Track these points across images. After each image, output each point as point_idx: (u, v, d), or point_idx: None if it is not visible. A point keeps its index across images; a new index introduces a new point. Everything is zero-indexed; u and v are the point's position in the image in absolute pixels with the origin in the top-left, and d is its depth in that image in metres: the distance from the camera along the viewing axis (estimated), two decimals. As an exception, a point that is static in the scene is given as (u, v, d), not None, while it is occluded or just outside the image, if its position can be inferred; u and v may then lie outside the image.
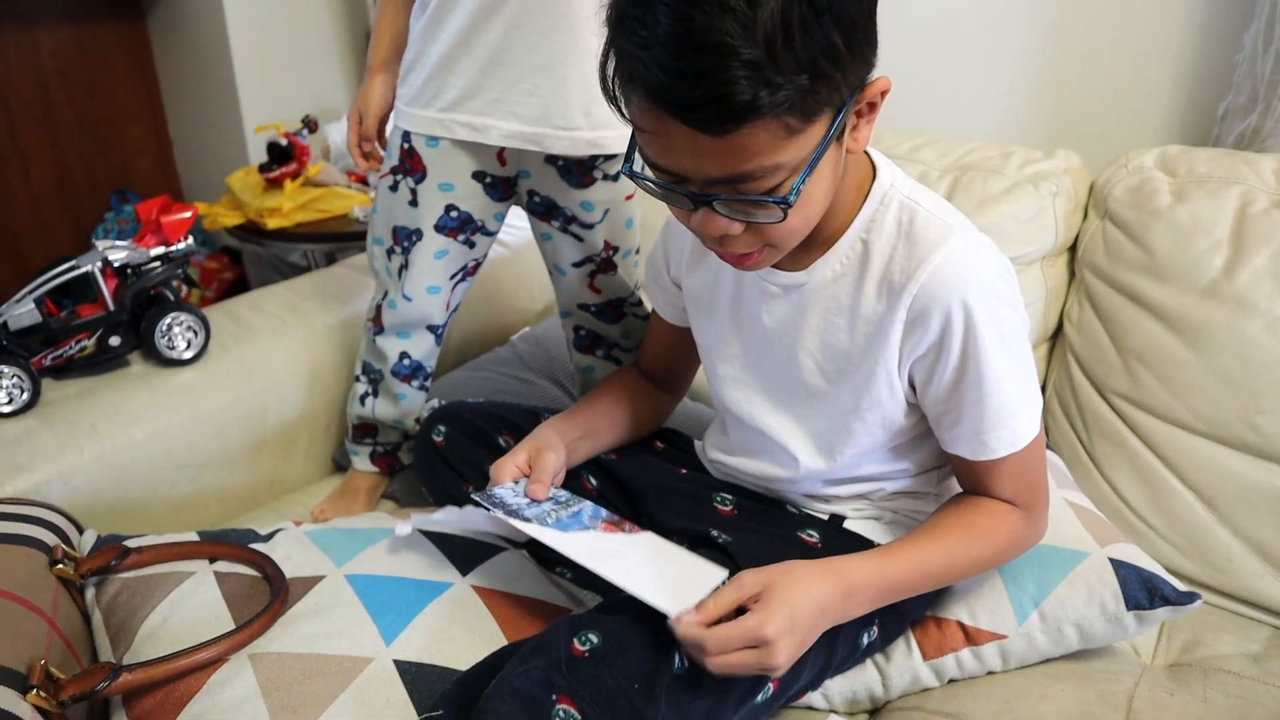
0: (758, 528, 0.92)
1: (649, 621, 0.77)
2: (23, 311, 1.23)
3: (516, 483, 0.92)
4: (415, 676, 0.80)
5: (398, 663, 0.81)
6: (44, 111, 2.56)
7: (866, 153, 0.84)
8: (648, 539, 0.88)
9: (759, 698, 0.83)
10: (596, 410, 1.06)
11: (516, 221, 1.81)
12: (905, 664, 0.94)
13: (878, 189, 0.82)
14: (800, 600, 0.74)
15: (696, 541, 0.89)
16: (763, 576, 0.75)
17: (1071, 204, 1.31)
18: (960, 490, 0.90)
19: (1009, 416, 0.80)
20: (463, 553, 0.98)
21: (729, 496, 0.98)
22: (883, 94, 0.72)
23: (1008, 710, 0.88)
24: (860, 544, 0.92)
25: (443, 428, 1.11)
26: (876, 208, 0.82)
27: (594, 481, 1.06)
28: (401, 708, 0.78)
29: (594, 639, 0.76)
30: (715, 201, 0.71)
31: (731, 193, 0.70)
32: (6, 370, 1.19)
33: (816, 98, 0.66)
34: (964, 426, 0.81)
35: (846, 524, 0.94)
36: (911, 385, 0.84)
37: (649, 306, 1.13)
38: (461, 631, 0.87)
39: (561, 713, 0.71)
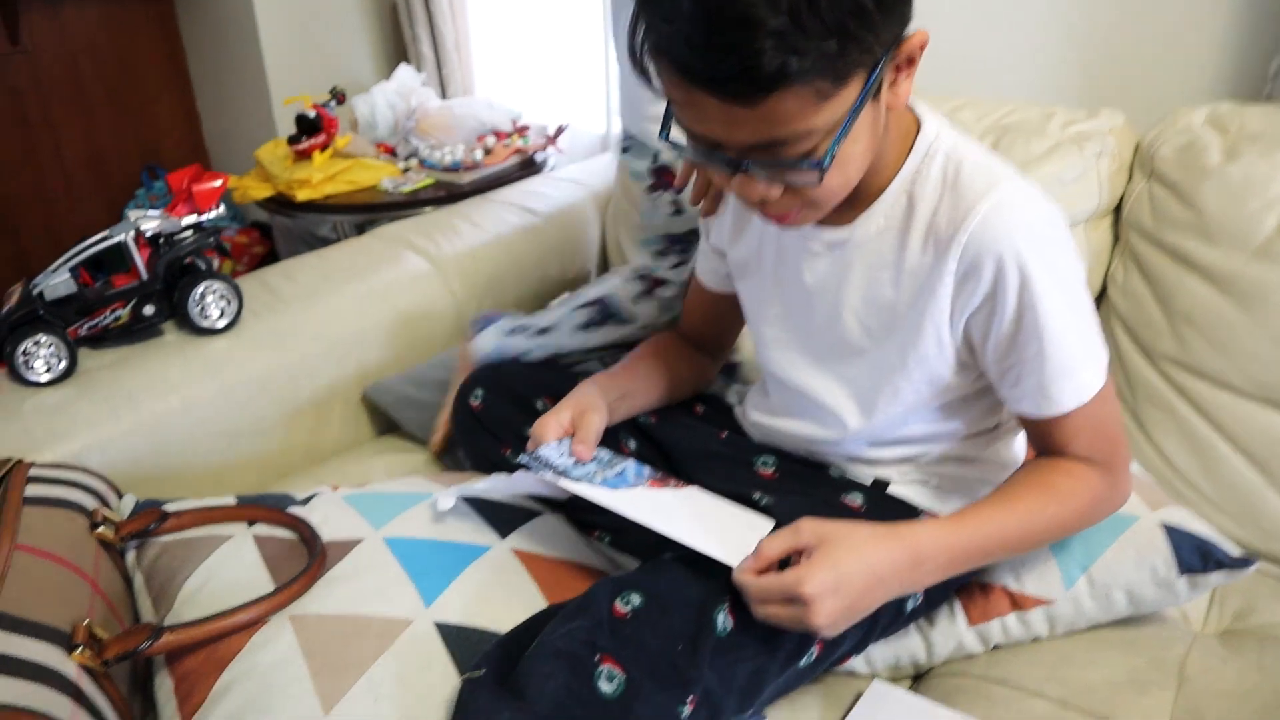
0: (800, 490, 0.91)
1: (691, 583, 0.77)
2: (58, 281, 1.24)
3: (560, 442, 0.92)
4: (456, 638, 0.80)
5: (439, 625, 0.80)
6: (74, 89, 2.57)
7: (910, 105, 0.82)
8: (694, 494, 0.88)
9: (802, 662, 0.82)
10: (637, 371, 1.05)
11: (544, 189, 1.80)
12: (949, 630, 0.93)
13: (922, 141, 0.80)
14: (851, 566, 0.73)
15: (739, 504, 0.88)
16: (821, 530, 0.74)
17: (1116, 164, 1.28)
18: (1024, 460, 0.89)
19: (1073, 368, 0.77)
20: (502, 516, 0.97)
21: (770, 459, 0.97)
22: (921, 47, 0.70)
23: (1055, 676, 0.87)
24: (906, 510, 0.91)
25: (480, 391, 1.10)
26: (921, 160, 0.80)
27: (632, 444, 1.05)
28: (443, 669, 0.77)
29: (636, 600, 0.75)
30: (751, 167, 0.70)
31: (767, 157, 0.69)
32: (44, 339, 1.19)
33: (847, 60, 0.64)
34: (1027, 382, 0.79)
35: (891, 488, 0.92)
36: (968, 344, 0.82)
37: None
38: (502, 594, 0.86)
39: (606, 672, 0.70)
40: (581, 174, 1.88)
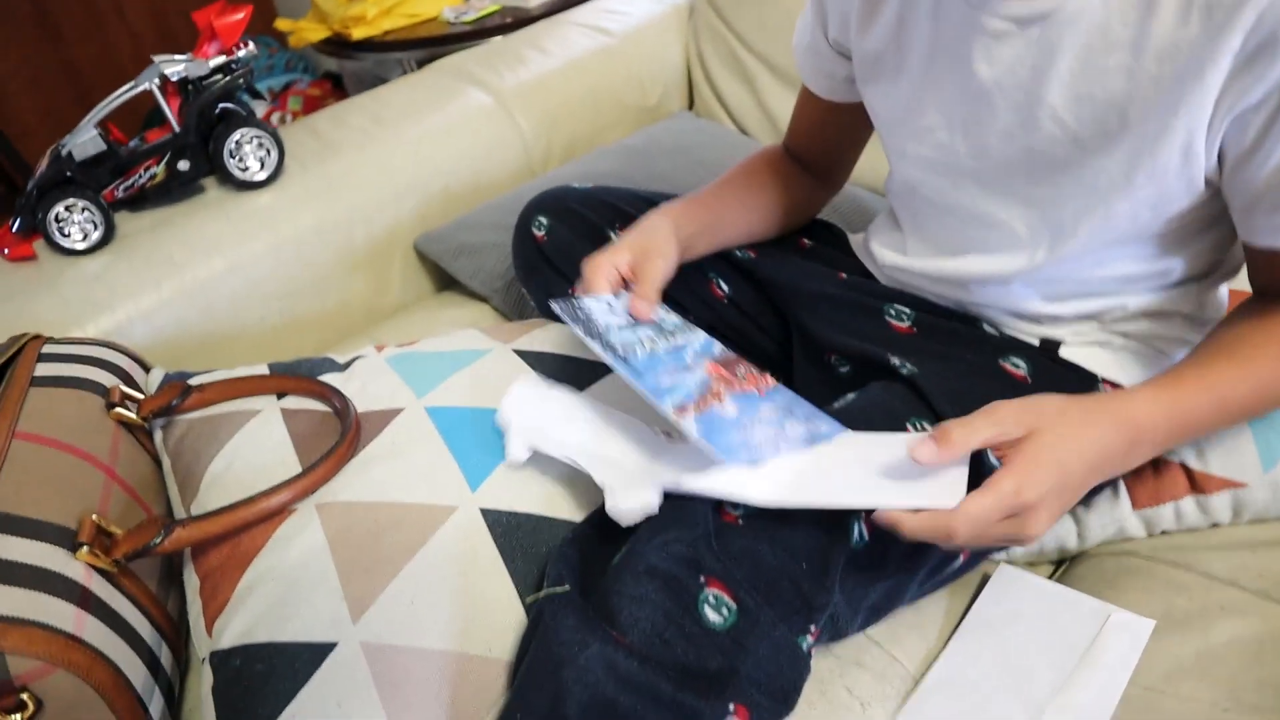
0: (946, 352, 0.71)
1: None
2: (86, 139, 1.13)
3: (616, 296, 0.74)
4: (506, 528, 0.67)
5: (485, 511, 0.68)
6: (129, -59, 2.44)
7: None
8: (784, 402, 0.67)
9: (944, 572, 0.67)
10: (726, 196, 0.85)
11: (621, 5, 1.58)
12: (1110, 513, 0.76)
13: None
14: (1073, 457, 0.55)
15: (868, 368, 0.69)
16: (1028, 418, 0.56)
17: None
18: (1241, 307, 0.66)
19: None
20: (566, 374, 0.83)
21: (905, 310, 0.77)
22: None
23: (1252, 564, 0.69)
24: (1080, 379, 0.71)
25: (544, 219, 0.94)
26: None
27: (725, 287, 0.87)
28: (490, 564, 0.66)
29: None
30: None
31: None
32: (76, 203, 1.10)
33: None
34: None
35: (1062, 351, 0.73)
36: (1221, 152, 0.59)
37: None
38: (560, 473, 0.73)
39: (711, 598, 0.56)
40: (663, -15, 1.65)
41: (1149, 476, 0.76)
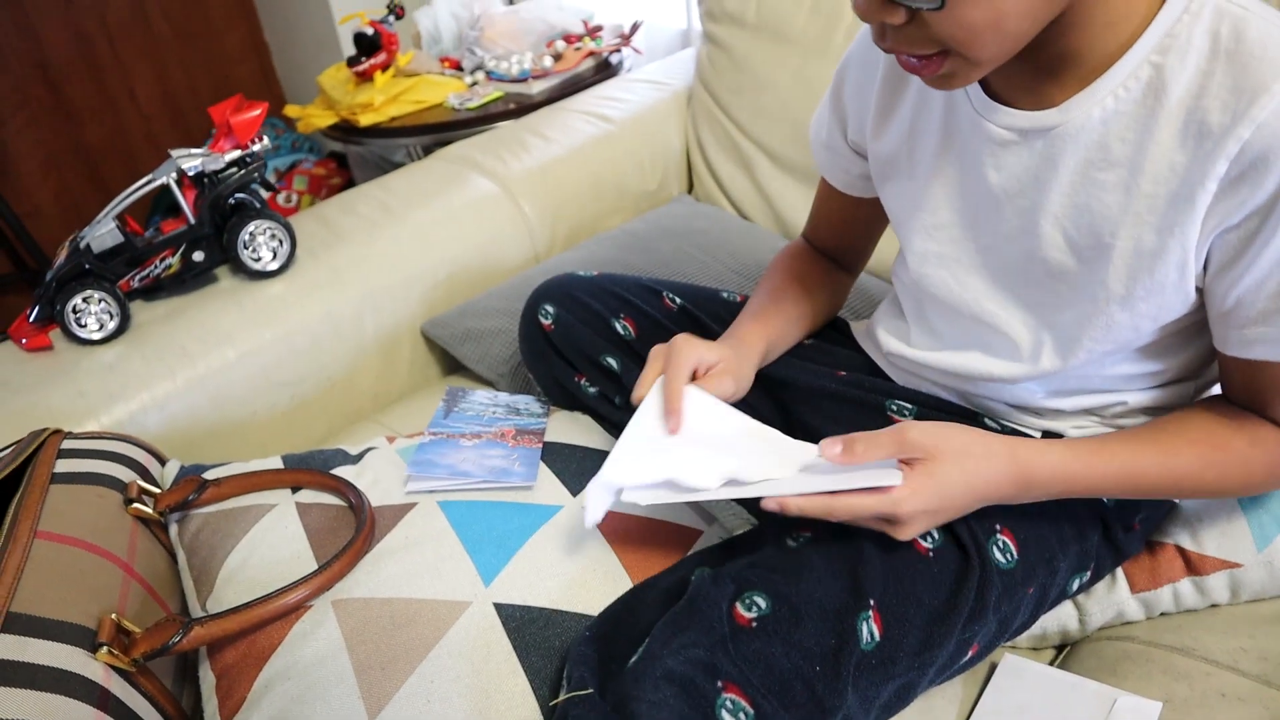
0: None
1: (826, 580, 0.63)
2: (104, 232, 1.16)
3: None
4: (520, 623, 0.69)
5: (499, 606, 0.70)
6: (143, 29, 2.51)
7: None
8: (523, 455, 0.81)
9: (955, 666, 0.68)
10: (787, 309, 0.88)
11: (620, 93, 1.64)
12: (1108, 598, 0.78)
13: None
14: (959, 489, 0.61)
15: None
16: (931, 443, 0.61)
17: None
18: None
19: None
20: (575, 466, 0.85)
21: (907, 405, 0.79)
22: None
23: (1253, 647, 0.71)
24: None
25: (550, 308, 0.96)
26: (1178, 18, 0.58)
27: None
28: (504, 659, 0.67)
29: (762, 604, 0.62)
30: None
31: None
32: (94, 295, 1.13)
33: None
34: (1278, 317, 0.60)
35: None
36: (1205, 265, 0.62)
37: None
38: (575, 567, 0.74)
39: (729, 703, 0.57)
40: (660, 73, 1.71)
41: (1145, 560, 0.78)
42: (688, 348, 0.75)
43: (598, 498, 0.70)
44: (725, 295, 0.98)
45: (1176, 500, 0.79)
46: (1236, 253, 0.59)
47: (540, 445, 0.89)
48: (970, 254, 0.73)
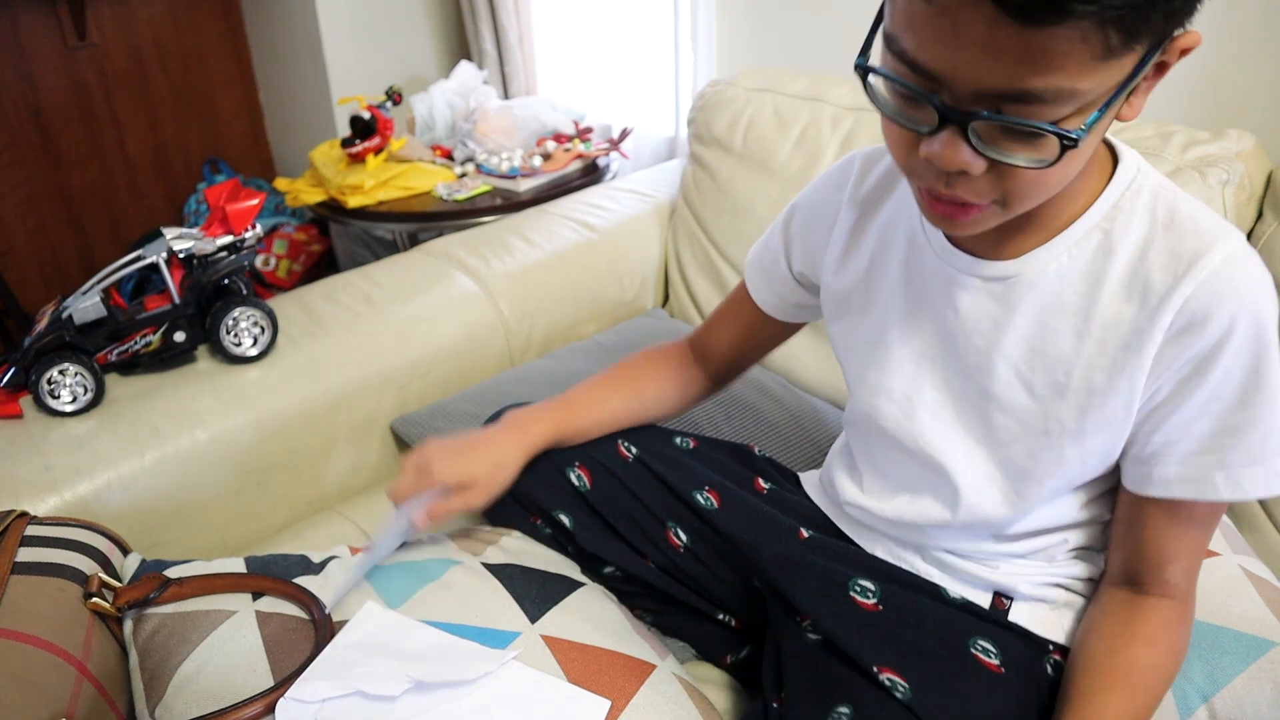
0: (919, 641, 0.76)
1: None
2: (88, 305, 1.18)
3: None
4: (468, 755, 0.70)
5: (449, 736, 0.71)
6: (139, 83, 2.56)
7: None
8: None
9: None
10: (603, 403, 0.97)
11: (605, 201, 1.69)
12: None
13: (1123, 173, 0.68)
14: None
15: (860, 688, 0.74)
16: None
17: (1244, 195, 1.12)
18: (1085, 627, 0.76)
19: (1254, 458, 0.65)
20: (534, 593, 0.87)
21: (870, 586, 0.81)
22: (1183, 52, 0.56)
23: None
24: (1031, 645, 0.78)
25: None
26: (1123, 193, 0.67)
27: (682, 536, 0.91)
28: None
29: None
30: (974, 122, 0.55)
31: (1007, 111, 0.53)
32: (70, 368, 1.14)
33: (1148, 16, 0.51)
34: (1204, 460, 0.67)
35: (1012, 613, 0.79)
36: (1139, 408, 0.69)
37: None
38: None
39: None
40: (645, 184, 1.77)
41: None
42: (442, 466, 0.88)
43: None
44: (678, 441, 0.98)
45: None
46: (1171, 394, 0.66)
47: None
48: (923, 389, 0.77)
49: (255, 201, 1.24)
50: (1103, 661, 0.72)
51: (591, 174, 2.01)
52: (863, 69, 0.59)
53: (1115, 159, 0.69)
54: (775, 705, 0.78)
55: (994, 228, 0.65)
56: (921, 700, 0.71)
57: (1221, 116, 1.35)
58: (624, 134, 2.08)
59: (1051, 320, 0.69)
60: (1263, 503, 1.03)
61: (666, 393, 1.00)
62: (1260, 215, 1.13)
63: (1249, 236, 1.13)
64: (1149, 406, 0.68)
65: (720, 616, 0.95)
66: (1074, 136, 0.53)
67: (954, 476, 0.76)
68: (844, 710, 0.73)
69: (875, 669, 0.74)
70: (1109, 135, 0.68)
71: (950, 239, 0.73)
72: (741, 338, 0.99)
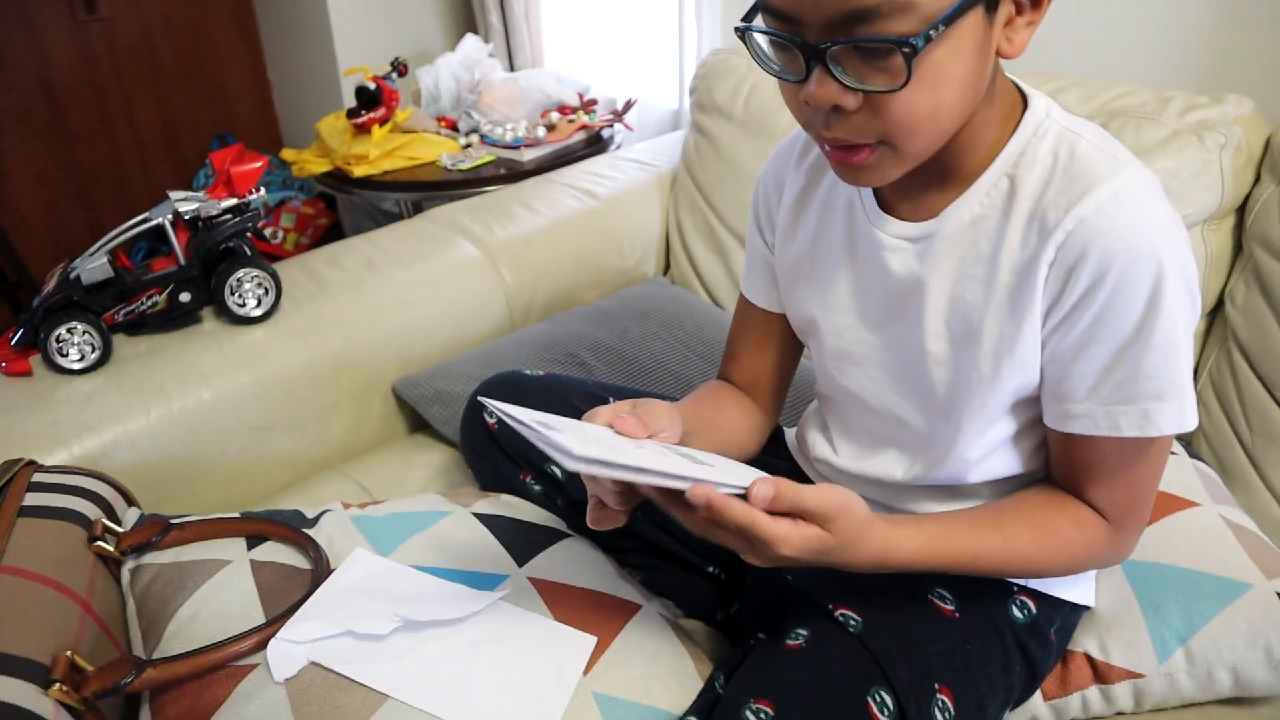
0: (879, 587, 0.77)
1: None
2: (95, 266, 1.20)
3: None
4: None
5: (440, 674, 0.73)
6: (148, 58, 2.57)
7: (1016, 84, 0.71)
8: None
9: None
10: (701, 416, 0.87)
11: (607, 170, 1.70)
12: (1022, 705, 0.82)
13: (1030, 118, 0.69)
14: (831, 557, 0.65)
15: (817, 620, 0.76)
16: (834, 514, 0.63)
17: (1242, 158, 1.12)
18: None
19: (1171, 393, 0.66)
20: (522, 540, 0.89)
21: None
22: None
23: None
24: (994, 601, 0.79)
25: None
26: (1029, 139, 0.69)
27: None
28: (444, 726, 0.70)
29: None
30: (830, 51, 0.58)
31: (856, 31, 0.57)
32: (79, 327, 1.16)
33: None
34: (1097, 396, 0.68)
35: None
36: (1042, 345, 0.70)
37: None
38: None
39: None
40: (648, 154, 1.78)
41: (1056, 668, 0.83)
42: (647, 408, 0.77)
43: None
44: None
45: (1083, 604, 0.83)
46: (1065, 332, 0.67)
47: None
48: (874, 350, 0.80)
49: (259, 164, 1.26)
50: (1031, 507, 0.74)
51: (595, 145, 2.02)
52: (740, 29, 0.62)
53: (1026, 107, 0.70)
54: (752, 643, 0.80)
55: (915, 186, 0.68)
56: (870, 633, 0.73)
57: (1220, 81, 1.35)
58: (628, 105, 2.09)
59: (969, 269, 0.71)
60: (1253, 461, 1.04)
61: (748, 432, 0.93)
62: (1258, 179, 1.14)
63: (1246, 199, 1.14)
64: (1051, 347, 0.69)
65: (710, 570, 0.97)
66: (912, 43, 0.56)
67: (908, 434, 0.80)
68: (802, 631, 0.75)
69: (831, 606, 0.76)
70: (1025, 85, 0.70)
71: (880, 203, 0.76)
72: (759, 352, 0.94)
